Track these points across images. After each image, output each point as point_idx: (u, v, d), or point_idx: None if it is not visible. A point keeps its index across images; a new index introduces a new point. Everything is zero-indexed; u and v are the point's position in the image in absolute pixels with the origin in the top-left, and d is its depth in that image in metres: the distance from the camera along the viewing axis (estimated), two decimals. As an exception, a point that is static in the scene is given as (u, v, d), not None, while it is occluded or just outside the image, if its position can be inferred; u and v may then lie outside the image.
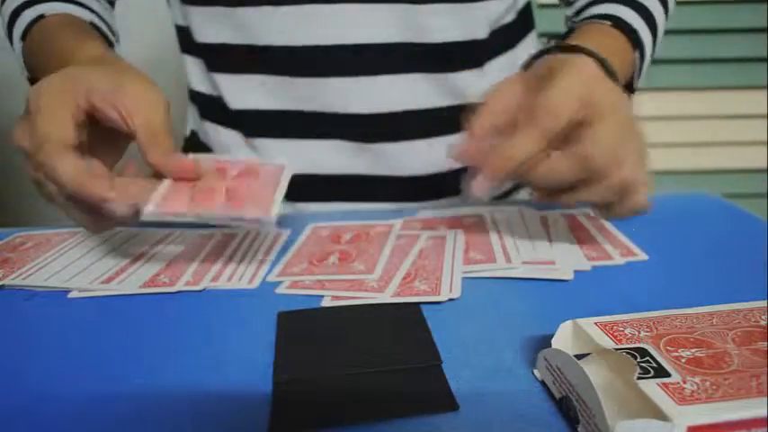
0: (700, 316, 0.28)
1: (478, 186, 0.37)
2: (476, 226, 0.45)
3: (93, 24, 0.51)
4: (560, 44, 0.45)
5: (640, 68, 0.52)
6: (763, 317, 0.28)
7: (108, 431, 0.26)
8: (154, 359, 0.31)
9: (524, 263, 0.39)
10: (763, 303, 0.29)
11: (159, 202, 0.36)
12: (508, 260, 0.40)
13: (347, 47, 0.53)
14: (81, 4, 0.52)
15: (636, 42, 0.50)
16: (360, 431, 0.25)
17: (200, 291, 0.38)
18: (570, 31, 0.53)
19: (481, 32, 0.56)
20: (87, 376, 0.30)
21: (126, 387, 0.29)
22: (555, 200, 0.38)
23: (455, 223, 0.46)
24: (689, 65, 1.27)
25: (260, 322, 0.34)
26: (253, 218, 0.35)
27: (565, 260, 0.40)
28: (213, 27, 0.55)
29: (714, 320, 0.28)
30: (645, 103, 1.31)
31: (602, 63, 0.42)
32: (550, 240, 0.43)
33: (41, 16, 0.49)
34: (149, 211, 0.35)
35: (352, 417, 0.26)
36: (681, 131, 1.30)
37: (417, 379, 0.29)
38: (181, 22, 0.60)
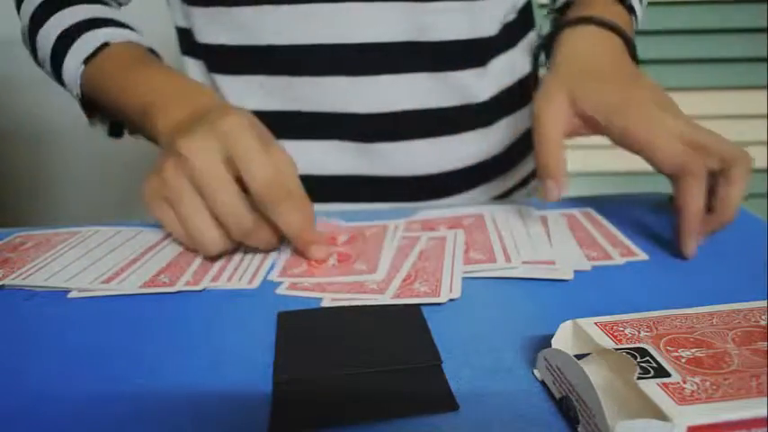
0: (700, 316, 0.28)
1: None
2: (476, 226, 0.45)
3: (151, 50, 0.52)
4: (572, 18, 0.48)
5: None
6: (763, 317, 0.28)
7: (108, 431, 0.26)
8: (154, 359, 0.31)
9: (524, 263, 0.40)
10: (763, 303, 0.29)
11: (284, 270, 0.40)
12: (508, 260, 0.40)
13: (349, 46, 0.53)
14: (128, 27, 0.54)
15: (631, 12, 0.55)
16: (360, 431, 0.25)
17: (201, 291, 0.38)
18: (567, 5, 0.56)
19: (488, 30, 0.56)
20: (87, 376, 0.30)
21: (126, 387, 0.29)
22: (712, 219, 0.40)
23: (455, 223, 0.46)
24: (689, 65, 1.27)
25: (260, 322, 0.34)
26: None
27: (565, 260, 0.40)
28: (214, 27, 0.55)
29: (714, 320, 0.28)
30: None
31: (620, 33, 0.48)
32: (550, 240, 0.43)
33: (106, 44, 0.50)
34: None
35: (352, 417, 0.26)
36: (681, 131, 1.30)
37: (417, 379, 0.29)
38: (182, 24, 0.60)
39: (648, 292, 0.36)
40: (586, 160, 1.29)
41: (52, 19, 0.52)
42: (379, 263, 0.40)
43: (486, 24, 0.56)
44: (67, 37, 0.51)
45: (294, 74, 0.55)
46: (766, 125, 1.29)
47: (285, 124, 0.57)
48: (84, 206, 1.30)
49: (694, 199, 0.39)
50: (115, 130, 0.56)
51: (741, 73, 1.27)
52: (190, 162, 0.37)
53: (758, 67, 1.26)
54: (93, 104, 0.53)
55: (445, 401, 0.27)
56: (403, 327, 0.33)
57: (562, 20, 0.50)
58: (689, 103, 1.28)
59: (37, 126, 1.24)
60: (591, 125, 0.43)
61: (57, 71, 0.53)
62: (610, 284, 0.38)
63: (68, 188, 1.30)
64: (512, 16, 0.61)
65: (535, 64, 0.63)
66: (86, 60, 0.50)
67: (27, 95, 1.17)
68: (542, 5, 1.16)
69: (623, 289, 0.37)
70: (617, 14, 0.52)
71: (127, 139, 0.57)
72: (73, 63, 0.51)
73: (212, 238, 0.39)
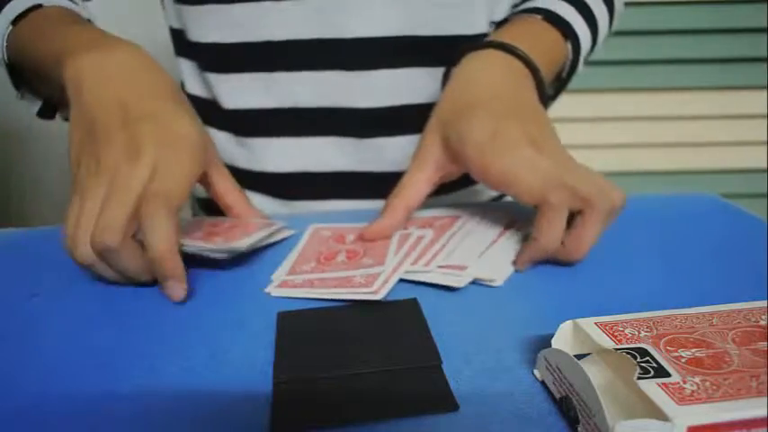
0: (700, 316, 0.28)
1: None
2: (442, 228, 0.44)
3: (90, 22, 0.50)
4: (478, 43, 0.47)
5: (575, 61, 0.53)
6: (763, 317, 0.28)
7: (108, 431, 0.26)
8: (154, 359, 0.31)
9: (439, 267, 0.39)
10: (763, 303, 0.29)
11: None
12: (427, 264, 0.39)
13: (346, 41, 0.53)
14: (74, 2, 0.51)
15: (568, 33, 0.52)
16: (360, 431, 0.25)
17: (200, 290, 0.38)
18: (500, 24, 0.54)
19: (484, 25, 0.56)
20: (87, 376, 0.30)
21: (126, 387, 0.29)
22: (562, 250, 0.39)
23: (426, 223, 0.45)
24: (689, 65, 1.27)
25: (260, 322, 0.34)
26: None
27: (483, 266, 0.39)
28: (209, 25, 0.55)
29: (714, 320, 0.28)
30: (645, 103, 1.31)
31: (518, 55, 0.45)
32: (492, 245, 0.42)
33: (39, 5, 0.47)
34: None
35: (352, 417, 0.26)
36: (681, 131, 1.30)
37: (417, 379, 0.29)
38: (175, 25, 0.59)
39: (648, 293, 0.36)
40: (588, 160, 1.29)
41: None
42: (386, 257, 0.40)
43: (483, 19, 0.56)
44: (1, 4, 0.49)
45: (291, 69, 0.55)
46: (766, 125, 1.29)
47: (282, 121, 0.57)
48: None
49: (547, 231, 0.38)
50: (46, 111, 0.52)
51: (741, 73, 1.27)
52: (106, 178, 0.36)
53: (758, 67, 1.26)
54: (21, 74, 0.50)
55: (445, 401, 0.27)
56: (403, 326, 0.33)
57: (466, 45, 0.47)
58: (689, 103, 1.29)
59: (37, 126, 1.24)
60: (460, 164, 0.42)
61: None
62: (609, 284, 0.38)
63: (68, 188, 1.30)
64: (506, 11, 0.61)
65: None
66: (15, 21, 0.47)
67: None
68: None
69: (623, 289, 0.37)
70: (541, 37, 0.50)
71: None
72: (1, 24, 0.48)
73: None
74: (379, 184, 0.58)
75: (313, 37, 0.53)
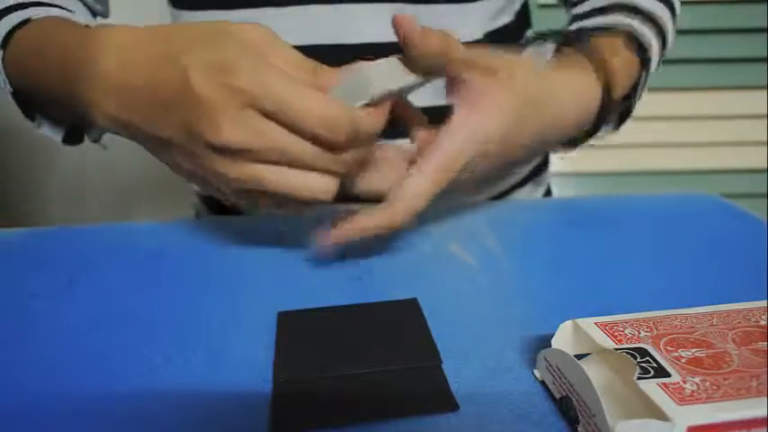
0: (700, 316, 0.28)
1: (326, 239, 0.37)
2: None
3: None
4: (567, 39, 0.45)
5: (642, 84, 0.51)
6: (763, 317, 0.28)
7: (108, 431, 0.26)
8: (154, 359, 0.31)
9: None
10: (763, 303, 0.29)
11: None
12: None
13: (348, 46, 0.53)
14: (61, 7, 0.47)
15: (645, 62, 0.49)
16: (360, 431, 0.25)
17: (200, 290, 0.38)
18: (569, 37, 0.52)
19: (476, 33, 0.56)
20: (87, 376, 0.30)
21: (125, 387, 0.29)
22: None
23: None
24: (689, 65, 1.27)
25: (260, 322, 0.34)
26: None
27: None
28: None
29: (714, 320, 0.28)
30: (645, 103, 1.31)
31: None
32: None
33: (27, 20, 0.43)
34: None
35: (352, 417, 0.26)
36: (681, 131, 1.30)
37: (417, 379, 0.29)
38: None
39: (648, 293, 0.36)
40: (588, 160, 1.29)
41: None
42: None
43: (483, 26, 0.56)
44: None
45: None
46: (766, 125, 1.29)
47: None
48: (87, 206, 1.30)
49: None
50: (72, 136, 0.47)
51: (741, 73, 1.27)
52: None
53: (758, 67, 1.26)
54: (29, 100, 0.45)
55: (445, 401, 0.27)
56: (403, 327, 0.33)
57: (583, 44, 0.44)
58: (689, 103, 1.29)
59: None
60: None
61: None
62: (610, 284, 0.38)
63: (70, 188, 1.30)
64: (508, 18, 0.61)
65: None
66: (3, 44, 0.42)
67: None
68: (541, 6, 1.16)
69: (623, 289, 0.37)
70: (627, 80, 0.48)
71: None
72: None
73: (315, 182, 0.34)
74: None
75: (315, 43, 0.53)
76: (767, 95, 1.27)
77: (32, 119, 0.45)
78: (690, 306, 0.29)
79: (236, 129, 0.31)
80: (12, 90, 0.44)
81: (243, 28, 0.34)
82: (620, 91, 0.45)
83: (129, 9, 0.62)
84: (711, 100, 1.28)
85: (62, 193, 1.30)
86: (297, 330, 0.33)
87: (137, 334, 0.33)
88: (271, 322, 0.34)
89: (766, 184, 1.32)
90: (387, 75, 0.37)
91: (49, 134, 0.47)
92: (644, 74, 0.50)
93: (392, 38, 0.53)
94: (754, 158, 1.31)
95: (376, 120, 0.34)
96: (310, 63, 0.37)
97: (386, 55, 0.54)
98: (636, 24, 0.49)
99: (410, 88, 0.38)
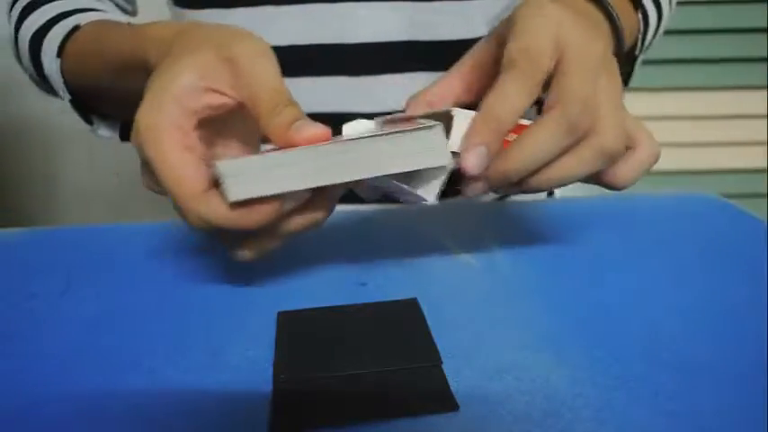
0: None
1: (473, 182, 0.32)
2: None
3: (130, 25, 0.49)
4: None
5: (644, 36, 0.51)
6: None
7: (108, 431, 0.26)
8: (153, 359, 0.31)
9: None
10: None
11: None
12: None
13: (349, 46, 0.53)
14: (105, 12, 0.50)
15: (638, 4, 0.49)
16: (360, 431, 0.25)
17: (200, 290, 0.38)
18: None
19: (480, 29, 0.56)
20: (87, 376, 0.30)
21: (126, 387, 0.29)
22: (530, 186, 0.32)
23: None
24: (689, 65, 1.27)
25: (260, 322, 0.34)
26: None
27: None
28: None
29: None
30: (645, 103, 1.31)
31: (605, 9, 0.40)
32: None
33: (76, 27, 0.46)
34: None
35: (352, 417, 0.26)
36: (681, 131, 1.30)
37: (417, 379, 0.29)
38: None
39: (648, 293, 0.36)
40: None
41: (24, 26, 0.50)
42: None
43: (484, 26, 0.56)
44: (39, 37, 0.48)
45: (293, 75, 0.55)
46: (766, 125, 1.29)
47: None
48: (87, 206, 1.30)
49: (504, 100, 0.31)
50: (126, 132, 0.50)
51: (741, 73, 1.27)
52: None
53: (758, 67, 1.26)
54: (88, 105, 0.49)
55: (445, 401, 0.27)
56: (403, 326, 0.33)
57: None
58: (689, 103, 1.29)
59: (37, 126, 1.24)
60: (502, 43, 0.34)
61: (44, 78, 0.49)
62: (610, 284, 0.37)
63: (70, 188, 1.30)
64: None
65: None
66: (59, 53, 0.46)
67: (28, 95, 1.17)
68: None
69: (623, 289, 0.37)
70: (621, 5, 0.46)
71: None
72: (48, 61, 0.47)
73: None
74: None
75: (315, 42, 0.53)
76: (767, 95, 1.27)
77: (90, 122, 0.49)
78: (690, 306, 0.29)
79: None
80: (70, 97, 0.47)
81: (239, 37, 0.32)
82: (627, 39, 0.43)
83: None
84: (711, 100, 1.29)
85: (62, 193, 1.30)
86: (297, 330, 0.33)
87: (137, 334, 0.33)
88: (271, 322, 0.34)
89: (766, 184, 1.32)
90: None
91: (106, 135, 0.50)
92: (639, 15, 0.49)
93: (391, 38, 0.54)
94: (754, 158, 1.31)
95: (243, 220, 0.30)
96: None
97: (385, 54, 0.54)
98: None
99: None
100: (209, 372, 0.30)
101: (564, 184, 0.32)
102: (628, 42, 0.47)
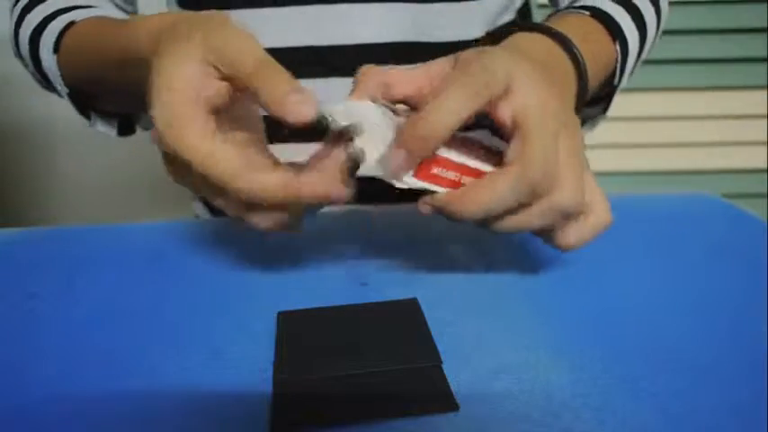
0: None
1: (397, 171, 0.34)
2: None
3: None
4: (516, 24, 0.43)
5: (623, 64, 0.50)
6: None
7: (108, 431, 0.26)
8: (154, 359, 0.31)
9: None
10: None
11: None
12: None
13: (349, 47, 0.53)
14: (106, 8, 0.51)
15: (616, 34, 0.48)
16: (360, 431, 0.25)
17: (200, 290, 0.38)
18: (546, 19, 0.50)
19: (477, 31, 0.56)
20: (87, 376, 0.30)
21: (125, 387, 0.29)
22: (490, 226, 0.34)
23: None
24: (689, 65, 1.27)
25: (260, 322, 0.34)
26: None
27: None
28: None
29: None
30: (645, 103, 1.31)
31: (563, 40, 0.39)
32: None
33: (72, 23, 0.46)
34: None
35: (352, 416, 0.26)
36: (681, 131, 1.30)
37: (417, 379, 0.29)
38: None
39: (648, 293, 0.36)
40: (589, 160, 1.29)
41: (24, 24, 0.50)
42: None
43: (484, 26, 0.56)
44: (37, 33, 0.48)
45: (294, 76, 0.55)
46: (766, 125, 1.29)
47: (284, 128, 0.57)
48: (87, 206, 1.30)
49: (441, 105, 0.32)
50: (124, 128, 0.52)
51: (741, 73, 1.27)
52: None
53: (758, 67, 1.26)
54: (85, 99, 0.49)
55: (445, 401, 0.27)
56: (403, 326, 0.33)
57: (511, 25, 0.41)
58: (689, 103, 1.29)
59: (37, 125, 1.24)
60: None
61: (44, 74, 0.50)
62: (610, 284, 0.37)
63: (70, 188, 1.30)
64: (509, 17, 0.61)
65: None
66: (56, 48, 0.46)
67: (28, 95, 1.17)
68: (542, 6, 1.16)
69: (623, 289, 0.37)
70: (590, 36, 0.46)
71: (132, 138, 0.56)
72: (46, 55, 0.48)
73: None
74: (381, 188, 0.58)
75: (313, 44, 0.53)
76: (767, 95, 1.27)
77: (88, 117, 0.49)
78: (690, 307, 0.29)
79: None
80: (68, 91, 0.47)
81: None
82: (590, 73, 0.41)
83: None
84: (711, 100, 1.29)
85: (62, 193, 1.30)
86: (297, 330, 0.33)
87: (136, 334, 0.33)
88: (271, 322, 0.34)
89: (766, 184, 1.32)
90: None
91: (104, 130, 0.51)
92: (618, 47, 0.48)
93: (390, 38, 0.54)
94: (754, 158, 1.31)
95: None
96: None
97: (385, 56, 0.54)
98: (607, 4, 0.49)
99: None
100: (210, 372, 0.30)
101: (517, 232, 0.34)
102: (600, 77, 0.47)
